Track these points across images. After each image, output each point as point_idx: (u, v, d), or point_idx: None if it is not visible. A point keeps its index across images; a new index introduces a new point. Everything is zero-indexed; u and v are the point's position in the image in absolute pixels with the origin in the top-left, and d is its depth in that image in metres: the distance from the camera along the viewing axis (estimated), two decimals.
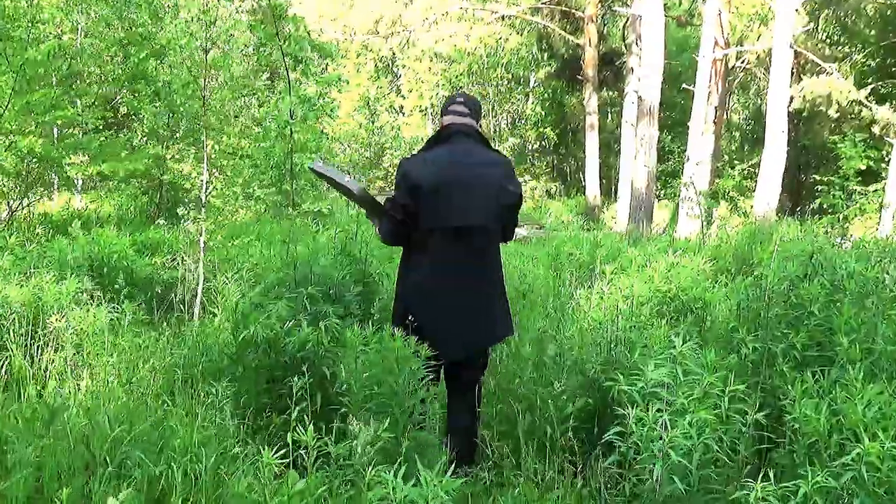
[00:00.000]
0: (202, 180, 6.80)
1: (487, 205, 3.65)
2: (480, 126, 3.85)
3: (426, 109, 30.28)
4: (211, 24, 7.17)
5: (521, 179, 21.46)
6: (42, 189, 11.09)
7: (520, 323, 4.89)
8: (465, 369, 3.76)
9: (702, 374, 2.71)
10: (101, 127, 11.98)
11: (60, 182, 13.14)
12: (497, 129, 29.13)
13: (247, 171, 7.85)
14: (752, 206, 22.68)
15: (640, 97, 15.68)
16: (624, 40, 28.29)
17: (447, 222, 3.60)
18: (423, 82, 29.34)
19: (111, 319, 5.04)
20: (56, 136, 11.90)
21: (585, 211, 23.89)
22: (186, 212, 6.59)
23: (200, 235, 6.28)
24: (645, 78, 15.56)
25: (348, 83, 10.73)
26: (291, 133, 8.29)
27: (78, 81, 11.78)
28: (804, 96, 18.50)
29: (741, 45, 20.12)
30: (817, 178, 19.74)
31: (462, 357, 3.69)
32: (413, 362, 3.31)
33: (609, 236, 11.76)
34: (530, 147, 29.83)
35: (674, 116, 27.63)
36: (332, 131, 24.47)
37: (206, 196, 6.67)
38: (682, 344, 2.81)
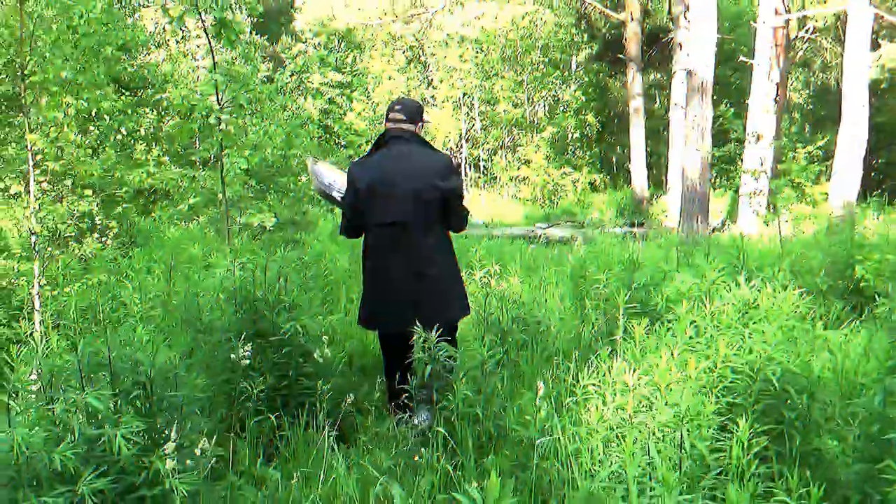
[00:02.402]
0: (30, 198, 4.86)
1: (415, 202, 4.07)
2: (422, 125, 4.37)
3: (460, 100, 28.21)
4: None
5: (561, 171, 19.37)
6: None
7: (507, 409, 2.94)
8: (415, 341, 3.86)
9: None
10: None
11: None
12: (534, 119, 26.92)
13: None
14: (820, 194, 20.22)
15: (690, 73, 13.40)
16: (670, 14, 25.87)
17: (380, 218, 4.13)
18: (454, 70, 27.28)
19: None
20: None
21: (633, 204, 21.56)
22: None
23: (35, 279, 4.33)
24: (695, 50, 13.27)
25: (331, 66, 8.69)
26: (219, 123, 6.28)
27: None
28: (882, 65, 15.97)
29: (797, 11, 17.60)
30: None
31: (401, 331, 3.93)
32: None
33: (651, 248, 9.61)
34: (571, 136, 27.51)
35: (729, 95, 25.03)
36: (358, 126, 22.61)
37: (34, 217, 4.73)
38: None
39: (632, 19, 20.56)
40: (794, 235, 11.33)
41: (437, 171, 4.11)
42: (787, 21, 16.22)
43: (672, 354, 2.82)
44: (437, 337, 3.67)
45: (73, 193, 6.20)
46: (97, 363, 2.66)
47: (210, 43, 6.00)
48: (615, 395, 2.63)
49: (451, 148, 28.42)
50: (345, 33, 28.17)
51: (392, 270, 4.13)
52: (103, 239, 5.64)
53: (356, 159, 4.34)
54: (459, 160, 28.30)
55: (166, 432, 2.62)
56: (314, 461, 3.51)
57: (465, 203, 4.36)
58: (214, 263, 4.44)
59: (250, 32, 22.16)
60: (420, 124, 4.33)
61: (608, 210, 22.23)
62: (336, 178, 4.58)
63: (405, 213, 4.06)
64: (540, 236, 14.25)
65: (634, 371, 2.64)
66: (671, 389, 2.45)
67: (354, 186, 4.18)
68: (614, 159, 30.71)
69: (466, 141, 28.47)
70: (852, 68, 12.89)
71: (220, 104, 6.24)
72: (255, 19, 22.31)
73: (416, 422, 3.87)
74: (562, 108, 27.20)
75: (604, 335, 4.50)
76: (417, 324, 3.72)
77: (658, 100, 29.93)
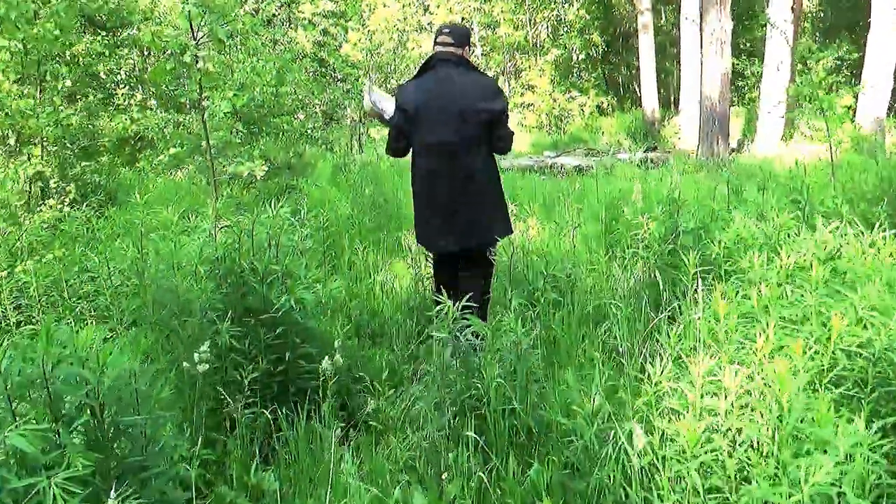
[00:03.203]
0: None
1: (461, 123, 4.16)
2: (470, 49, 4.50)
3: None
4: None
5: (567, 96, 18.45)
6: None
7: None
8: (469, 262, 4.36)
9: None
10: None
11: None
12: (536, 41, 25.81)
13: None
14: (842, 108, 19.28)
15: None
16: None
17: (426, 139, 4.27)
18: None
19: None
20: None
21: (644, 127, 20.69)
22: None
23: None
24: None
25: None
26: (197, 61, 5.57)
27: None
28: None
29: None
30: None
31: (454, 250, 4.31)
32: None
33: (685, 179, 8.94)
34: (577, 58, 26.43)
35: (739, 5, 23.84)
36: (355, 58, 21.60)
37: None
38: None
39: None
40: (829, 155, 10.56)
41: (483, 93, 4.21)
42: None
43: (766, 335, 2.19)
44: (479, 254, 4.27)
45: (18, 153, 5.52)
46: (29, 381, 2.05)
47: None
48: (701, 395, 2.02)
49: None
50: None
51: (438, 190, 4.28)
52: (59, 206, 5.01)
53: (404, 81, 4.46)
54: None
55: (123, 471, 2.03)
56: (318, 464, 2.95)
57: (507, 126, 4.38)
58: (193, 227, 3.78)
59: None
60: (468, 48, 4.40)
61: (618, 134, 21.37)
62: (388, 104, 4.56)
63: (451, 134, 4.17)
64: (552, 167, 13.53)
65: (726, 366, 2.02)
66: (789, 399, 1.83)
67: (402, 108, 4.31)
68: (622, 80, 29.64)
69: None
70: None
71: (195, 40, 5.52)
72: None
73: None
74: (565, 28, 26.06)
75: (652, 300, 3.86)
76: (459, 242, 4.24)
77: (664, 14, 28.66)
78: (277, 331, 3.31)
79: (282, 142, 8.08)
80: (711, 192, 4.88)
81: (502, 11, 25.46)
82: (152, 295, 3.21)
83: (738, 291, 2.98)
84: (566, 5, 25.81)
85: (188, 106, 11.89)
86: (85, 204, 5.39)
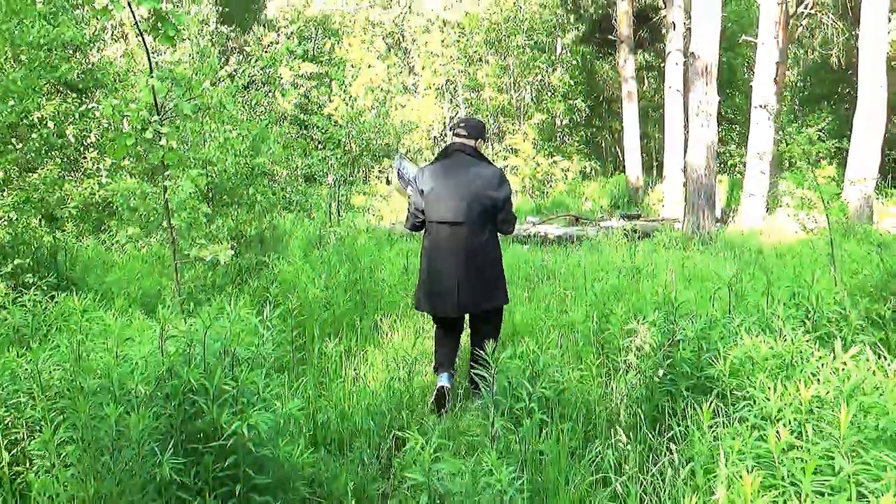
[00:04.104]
0: None
1: (469, 206, 4.76)
2: (483, 140, 5.12)
3: (443, 87, 27.06)
4: None
5: (551, 160, 18.28)
6: None
7: None
8: (472, 326, 5.04)
9: None
10: None
11: None
12: (520, 105, 25.85)
13: None
14: (823, 178, 19.22)
15: (693, 55, 12.38)
16: None
17: (439, 217, 4.84)
18: (436, 56, 26.11)
19: None
20: None
21: (627, 193, 20.56)
22: None
23: None
24: (698, 30, 12.27)
25: (300, 57, 7.62)
26: (160, 139, 5.22)
27: None
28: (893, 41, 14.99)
29: None
30: None
31: (457, 315, 4.88)
32: None
33: (676, 255, 8.64)
34: (560, 122, 26.45)
35: (721, 77, 24.00)
36: (341, 117, 21.41)
37: None
38: None
39: None
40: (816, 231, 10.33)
41: (490, 181, 4.82)
42: None
43: None
44: (481, 318, 4.94)
45: None
46: None
47: (143, 40, 4.95)
48: None
49: (435, 137, 27.34)
50: (321, 20, 26.89)
51: (446, 262, 4.81)
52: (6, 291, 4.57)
53: (426, 164, 5.15)
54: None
55: None
56: None
57: (512, 210, 4.99)
58: (139, 331, 3.38)
59: (216, 23, 20.84)
60: (481, 140, 5.07)
61: (601, 199, 21.21)
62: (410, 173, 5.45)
63: (460, 215, 4.76)
64: (534, 235, 13.23)
65: None
66: None
67: (419, 188, 4.92)
68: (603, 145, 29.71)
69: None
70: (869, 44, 11.94)
71: (160, 114, 5.19)
72: (222, 7, 20.97)
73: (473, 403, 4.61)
74: (549, 93, 26.14)
75: (649, 417, 3.48)
76: (465, 307, 4.78)
77: (647, 82, 28.88)
78: (228, 461, 2.90)
79: (255, 213, 7.71)
80: (709, 292, 4.54)
81: (487, 75, 25.54)
82: (84, 422, 2.79)
83: (751, 426, 2.62)
84: (550, 70, 25.94)
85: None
86: (34, 287, 4.95)
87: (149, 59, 5.04)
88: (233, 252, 5.20)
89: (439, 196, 4.81)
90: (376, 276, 7.30)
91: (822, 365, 2.92)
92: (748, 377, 3.06)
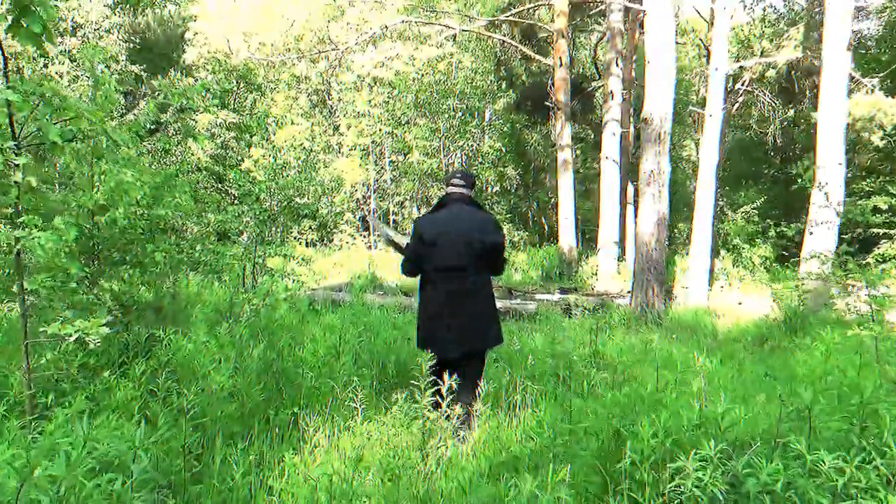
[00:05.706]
0: None
1: (466, 251, 5.04)
2: (473, 189, 5.41)
3: (369, 147, 25.98)
4: None
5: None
6: None
7: None
8: (465, 364, 5.09)
9: None
10: None
11: None
12: (449, 170, 24.95)
13: None
14: (759, 257, 18.84)
15: (645, 120, 11.61)
16: (595, 63, 24.55)
17: (439, 263, 5.09)
18: (363, 116, 25.09)
19: None
20: None
21: (560, 265, 19.68)
22: None
23: None
24: (653, 93, 11.52)
25: (217, 97, 6.29)
26: (14, 171, 3.72)
27: None
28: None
29: (754, 57, 16.28)
30: (872, 220, 15.75)
31: (456, 356, 5.02)
32: None
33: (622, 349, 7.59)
34: (490, 190, 25.68)
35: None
36: (262, 170, 20.00)
37: None
38: None
39: (560, 64, 18.91)
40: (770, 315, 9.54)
41: (485, 227, 5.09)
42: (740, 68, 14.81)
43: None
44: (476, 356, 5.19)
45: None
46: None
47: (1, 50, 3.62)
48: None
49: (358, 200, 26.14)
50: (243, 72, 25.61)
51: (443, 304, 5.05)
52: None
53: (423, 215, 5.42)
54: (367, 214, 26.02)
55: None
56: None
57: (504, 254, 5.22)
58: None
59: (125, 61, 19.24)
60: (472, 189, 5.36)
61: (532, 270, 20.27)
62: (400, 238, 5.55)
63: (459, 259, 5.04)
64: None
65: None
66: None
67: (418, 236, 5.18)
68: (530, 215, 29.04)
69: (375, 192, 26.25)
70: (829, 120, 11.41)
71: (16, 140, 3.84)
72: (132, 45, 19.42)
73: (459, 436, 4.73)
74: (479, 159, 25.39)
75: None
76: (460, 348, 5.03)
77: (576, 153, 28.50)
78: None
79: (152, 274, 6.31)
80: (690, 384, 3.39)
81: (415, 138, 24.64)
82: None
83: None
84: (481, 136, 25.24)
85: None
86: None
87: (4, 64, 3.71)
88: (111, 327, 3.82)
89: (440, 242, 5.05)
90: (297, 357, 5.92)
91: None
92: None
